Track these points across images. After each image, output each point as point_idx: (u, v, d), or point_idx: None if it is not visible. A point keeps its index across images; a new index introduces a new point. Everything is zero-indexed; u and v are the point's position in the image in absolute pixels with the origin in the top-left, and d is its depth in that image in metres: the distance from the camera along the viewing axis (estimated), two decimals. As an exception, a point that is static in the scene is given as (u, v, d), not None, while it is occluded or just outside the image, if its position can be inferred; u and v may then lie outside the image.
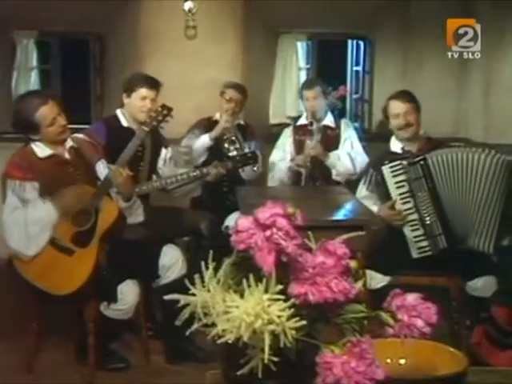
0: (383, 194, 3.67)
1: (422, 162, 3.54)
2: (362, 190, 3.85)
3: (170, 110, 3.69)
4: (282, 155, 4.70)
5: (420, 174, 3.54)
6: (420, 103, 3.85)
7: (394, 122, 3.78)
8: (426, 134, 3.88)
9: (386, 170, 3.61)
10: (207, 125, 4.68)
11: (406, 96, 3.84)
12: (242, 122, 4.78)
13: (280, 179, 4.66)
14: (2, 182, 3.37)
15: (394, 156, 3.72)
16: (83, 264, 3.31)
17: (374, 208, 3.67)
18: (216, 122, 4.65)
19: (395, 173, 3.59)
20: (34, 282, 3.31)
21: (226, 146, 4.62)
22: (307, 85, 4.80)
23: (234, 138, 4.64)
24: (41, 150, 3.37)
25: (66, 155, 3.44)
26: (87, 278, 3.28)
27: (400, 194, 3.59)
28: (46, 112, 3.31)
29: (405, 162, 3.58)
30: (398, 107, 3.78)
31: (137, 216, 3.68)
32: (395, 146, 3.83)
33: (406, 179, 3.57)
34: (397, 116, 3.76)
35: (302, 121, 4.78)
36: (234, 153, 4.54)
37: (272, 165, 4.72)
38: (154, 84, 3.99)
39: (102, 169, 3.53)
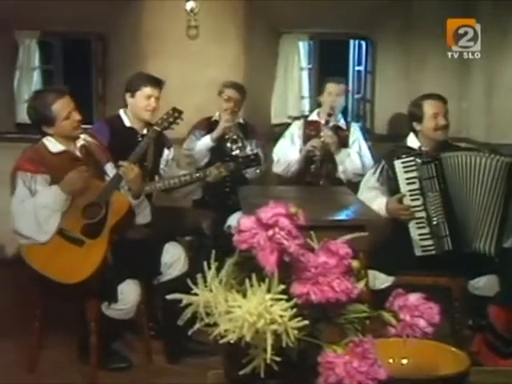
0: (393, 188, 3.65)
1: (436, 162, 3.53)
2: (371, 180, 3.81)
3: (180, 113, 3.78)
4: (290, 144, 4.70)
5: (433, 174, 3.53)
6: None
7: (431, 122, 3.70)
8: None
9: (398, 164, 3.59)
10: (207, 125, 4.67)
11: (441, 97, 3.79)
12: (241, 121, 4.77)
13: (285, 163, 4.64)
14: (11, 176, 3.38)
15: (408, 151, 3.69)
16: (93, 254, 3.33)
17: (381, 199, 3.66)
18: (216, 122, 4.64)
19: (407, 169, 3.57)
20: (41, 270, 3.30)
21: (229, 145, 4.62)
22: (335, 80, 4.76)
23: (235, 136, 4.63)
24: (53, 145, 3.41)
25: (77, 153, 3.48)
26: (96, 268, 3.29)
27: (410, 191, 3.57)
28: (63, 105, 3.37)
29: (418, 160, 3.56)
30: (437, 107, 3.73)
31: (144, 216, 3.68)
32: (413, 143, 3.79)
33: (417, 176, 3.56)
34: (436, 116, 3.70)
35: (313, 117, 4.78)
36: (237, 151, 4.54)
37: (278, 151, 4.71)
38: (157, 82, 4.01)
39: (110, 169, 3.56)
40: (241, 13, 5.41)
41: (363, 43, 5.98)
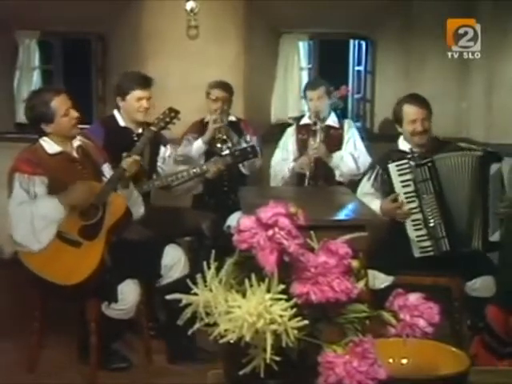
0: (388, 192, 3.66)
1: (429, 165, 3.54)
2: (366, 186, 3.82)
3: (177, 112, 3.77)
4: (285, 155, 4.69)
5: (427, 176, 3.54)
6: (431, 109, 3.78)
7: (409, 127, 3.69)
8: (433, 134, 3.85)
9: (392, 167, 3.60)
10: (200, 128, 4.67)
11: (421, 101, 3.75)
12: (234, 119, 4.78)
13: (283, 179, 4.64)
14: (9, 177, 3.38)
15: (401, 154, 3.70)
16: (90, 256, 3.32)
17: (377, 202, 3.66)
18: (208, 124, 4.64)
19: (401, 172, 3.58)
20: (39, 272, 3.30)
21: (219, 145, 4.61)
22: (311, 85, 4.76)
23: (225, 137, 4.62)
24: (50, 146, 3.41)
25: (74, 153, 3.49)
26: (94, 270, 3.29)
27: (405, 193, 3.59)
28: (61, 102, 3.39)
29: (412, 163, 3.56)
30: (415, 113, 3.69)
31: (138, 207, 3.65)
32: (403, 145, 3.78)
33: (411, 179, 3.57)
34: (413, 122, 3.67)
35: (305, 120, 4.76)
36: (227, 151, 4.53)
37: (275, 165, 4.71)
38: (146, 83, 4.01)
39: (107, 171, 3.56)
40: (241, 13, 5.40)
41: (363, 43, 5.98)
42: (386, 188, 3.68)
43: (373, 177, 3.76)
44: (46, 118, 3.38)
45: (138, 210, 3.65)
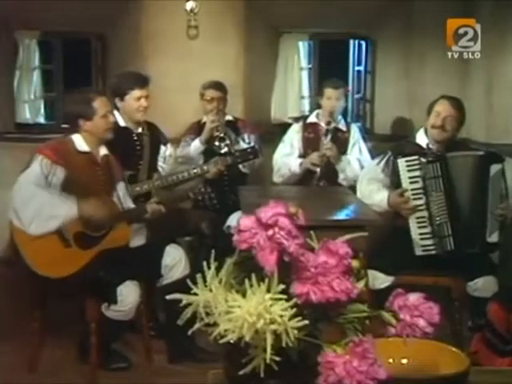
0: (395, 182, 3.66)
1: (441, 162, 3.54)
2: (375, 170, 3.81)
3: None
4: (289, 150, 4.66)
5: (438, 174, 3.54)
6: (465, 116, 3.83)
7: (432, 119, 3.73)
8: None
9: (401, 163, 3.59)
10: (197, 128, 4.66)
11: (455, 101, 3.79)
12: (231, 118, 4.76)
13: (285, 174, 4.61)
14: (31, 157, 3.36)
15: (414, 148, 3.70)
16: (72, 261, 3.33)
17: (383, 193, 3.65)
18: (205, 125, 4.64)
19: (410, 167, 3.58)
20: (22, 250, 3.29)
21: (217, 143, 4.59)
22: (333, 84, 4.66)
23: (222, 134, 4.60)
24: (80, 143, 3.46)
25: (99, 159, 3.52)
26: (70, 275, 3.29)
27: (412, 190, 3.58)
28: (103, 103, 3.48)
29: (423, 159, 3.56)
30: (443, 107, 3.74)
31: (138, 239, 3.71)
32: (421, 139, 3.80)
33: (420, 175, 3.56)
34: (437, 115, 3.71)
35: (312, 119, 4.74)
36: (226, 149, 4.52)
37: (277, 159, 4.67)
38: (144, 82, 4.02)
39: (122, 189, 3.61)
40: (241, 12, 5.40)
41: (363, 43, 5.98)
42: (394, 177, 3.67)
43: (383, 162, 3.76)
44: (85, 115, 3.43)
45: (138, 241, 3.69)
